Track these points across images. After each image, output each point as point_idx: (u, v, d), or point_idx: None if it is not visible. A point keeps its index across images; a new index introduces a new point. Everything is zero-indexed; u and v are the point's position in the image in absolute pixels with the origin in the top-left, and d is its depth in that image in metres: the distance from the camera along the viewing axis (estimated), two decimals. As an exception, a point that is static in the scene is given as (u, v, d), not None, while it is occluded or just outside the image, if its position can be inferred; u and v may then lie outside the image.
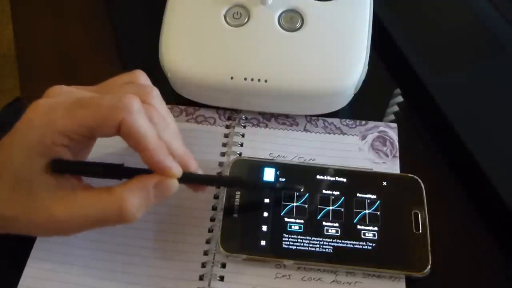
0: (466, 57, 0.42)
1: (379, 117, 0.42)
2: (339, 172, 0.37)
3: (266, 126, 0.41)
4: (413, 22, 0.45)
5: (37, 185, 0.30)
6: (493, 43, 0.43)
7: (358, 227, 0.35)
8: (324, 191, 0.36)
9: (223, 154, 0.40)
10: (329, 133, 0.41)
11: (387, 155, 0.39)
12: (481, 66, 0.42)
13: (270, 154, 0.40)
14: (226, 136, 0.41)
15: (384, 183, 0.37)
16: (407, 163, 0.39)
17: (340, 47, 0.38)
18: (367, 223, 0.35)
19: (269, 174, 0.37)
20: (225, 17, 0.39)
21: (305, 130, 0.41)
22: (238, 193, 0.36)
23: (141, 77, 0.34)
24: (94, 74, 0.46)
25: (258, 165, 0.38)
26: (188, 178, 0.32)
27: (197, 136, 0.41)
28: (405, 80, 0.43)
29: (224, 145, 0.40)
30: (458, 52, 0.43)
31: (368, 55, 0.39)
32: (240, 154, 0.40)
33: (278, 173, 0.37)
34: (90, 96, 0.31)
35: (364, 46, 0.38)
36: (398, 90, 0.44)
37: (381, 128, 0.41)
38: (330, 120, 0.41)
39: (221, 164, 0.39)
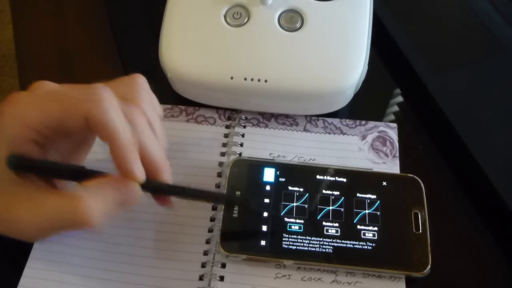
0: (466, 57, 0.42)
1: (379, 117, 0.42)
2: (339, 172, 0.37)
3: (266, 126, 0.41)
4: (413, 22, 0.45)
5: (5, 182, 0.29)
6: (494, 43, 0.43)
7: (358, 227, 0.35)
8: (324, 191, 0.36)
9: (223, 154, 0.40)
10: (329, 133, 0.41)
11: (387, 155, 0.39)
12: (481, 66, 0.42)
13: (270, 154, 0.40)
14: (226, 136, 0.41)
15: (384, 183, 0.37)
16: (407, 163, 0.39)
17: (340, 47, 0.38)
18: (367, 223, 0.35)
19: (269, 174, 0.37)
20: (225, 17, 0.39)
21: (305, 130, 0.41)
22: (238, 193, 0.36)
23: (139, 80, 0.33)
24: (93, 74, 0.46)
25: (258, 165, 0.38)
26: (152, 187, 0.30)
27: (197, 136, 0.41)
28: (405, 80, 0.43)
29: (224, 145, 0.40)
30: (458, 52, 0.43)
31: (368, 55, 0.39)
32: (240, 154, 0.39)
33: (278, 173, 0.37)
34: (62, 89, 0.30)
35: (364, 46, 0.38)
36: (398, 90, 0.44)
37: (381, 128, 0.41)
38: (330, 120, 0.41)
39: (221, 164, 0.39)
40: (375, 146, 0.40)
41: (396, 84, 0.44)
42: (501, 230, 0.36)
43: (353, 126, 0.41)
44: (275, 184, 0.37)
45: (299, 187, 0.37)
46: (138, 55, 0.46)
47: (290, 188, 0.37)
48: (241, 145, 0.40)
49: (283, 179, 0.37)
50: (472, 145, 0.37)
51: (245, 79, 0.38)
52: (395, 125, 0.41)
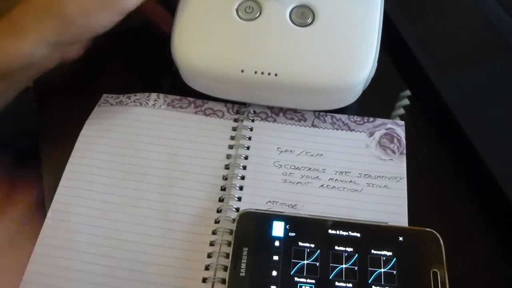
0: (475, 56, 0.42)
1: (387, 114, 0.42)
2: (352, 226, 0.35)
3: (275, 120, 0.41)
4: (423, 21, 0.45)
5: None
6: (503, 43, 0.43)
7: (373, 287, 0.33)
8: (336, 247, 0.34)
9: (231, 147, 0.40)
10: (337, 129, 0.41)
11: (394, 152, 0.39)
12: (490, 66, 0.42)
13: (277, 148, 0.40)
14: (234, 129, 0.41)
15: (400, 239, 0.34)
16: (414, 160, 0.39)
17: (351, 43, 0.38)
18: (382, 283, 0.32)
19: (278, 228, 0.35)
20: (237, 10, 0.40)
21: (313, 125, 0.41)
22: (245, 249, 0.34)
23: None
24: (105, 63, 0.47)
25: (266, 218, 0.35)
26: None
27: (205, 128, 0.41)
28: (414, 78, 0.43)
29: (232, 138, 0.40)
30: (467, 52, 0.43)
31: (378, 52, 0.39)
32: (248, 148, 0.40)
33: (287, 227, 0.35)
34: None
35: (374, 43, 0.38)
36: (406, 88, 0.44)
37: (389, 125, 0.41)
38: (338, 116, 0.42)
39: (228, 156, 0.39)
40: (382, 143, 0.40)
41: (404, 82, 0.44)
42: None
43: (361, 122, 0.41)
44: (285, 240, 0.34)
45: (310, 243, 0.34)
46: (149, 46, 0.47)
47: (300, 244, 0.34)
48: (249, 138, 0.40)
49: (293, 234, 0.34)
50: (479, 145, 0.37)
51: (256, 72, 0.38)
52: (402, 122, 0.41)
